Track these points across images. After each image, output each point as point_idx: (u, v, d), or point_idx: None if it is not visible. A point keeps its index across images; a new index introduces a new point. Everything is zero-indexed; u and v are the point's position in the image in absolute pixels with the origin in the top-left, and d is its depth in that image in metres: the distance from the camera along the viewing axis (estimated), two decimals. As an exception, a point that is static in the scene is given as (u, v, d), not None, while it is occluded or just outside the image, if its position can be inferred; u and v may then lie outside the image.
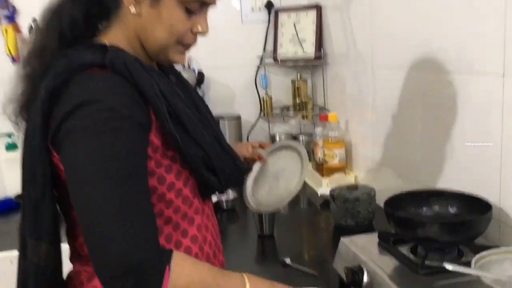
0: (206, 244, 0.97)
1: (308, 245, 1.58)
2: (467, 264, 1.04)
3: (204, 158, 0.91)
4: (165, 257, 0.77)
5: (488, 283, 0.81)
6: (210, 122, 0.99)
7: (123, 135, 0.78)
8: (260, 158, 1.33)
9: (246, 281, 0.85)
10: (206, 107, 1.04)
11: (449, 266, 0.82)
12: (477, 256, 0.88)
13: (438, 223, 1.05)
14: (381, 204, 1.64)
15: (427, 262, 1.04)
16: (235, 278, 0.85)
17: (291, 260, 1.37)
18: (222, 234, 1.66)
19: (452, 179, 1.35)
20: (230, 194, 1.91)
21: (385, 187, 1.66)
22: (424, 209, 1.21)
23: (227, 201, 1.87)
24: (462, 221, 1.04)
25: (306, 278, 1.29)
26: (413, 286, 0.98)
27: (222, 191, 1.01)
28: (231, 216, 1.85)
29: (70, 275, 0.96)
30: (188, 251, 0.92)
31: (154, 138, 0.84)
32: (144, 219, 0.77)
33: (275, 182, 1.38)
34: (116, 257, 0.74)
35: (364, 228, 1.56)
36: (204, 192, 0.97)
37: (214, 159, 0.93)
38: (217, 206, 1.86)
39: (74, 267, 0.96)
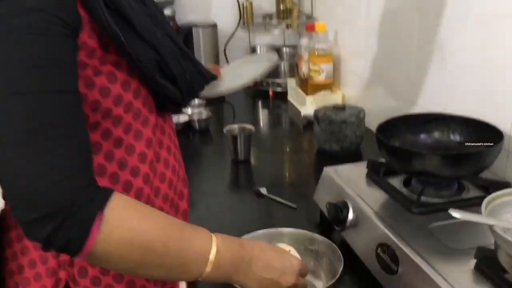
0: (169, 169, 0.83)
1: (287, 173, 1.42)
2: (469, 201, 0.91)
3: (158, 62, 0.74)
4: (98, 200, 0.60)
5: (498, 232, 0.66)
6: (161, 20, 0.80)
7: (33, 36, 0.59)
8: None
9: (213, 244, 0.69)
10: (155, 4, 0.82)
11: (456, 214, 0.66)
12: (488, 198, 0.72)
13: (439, 155, 0.88)
14: (371, 127, 1.48)
15: (422, 199, 0.89)
16: (197, 249, 0.68)
17: (267, 190, 1.22)
18: (193, 157, 1.51)
19: (454, 101, 1.18)
20: (204, 113, 1.73)
21: (376, 108, 1.50)
22: (422, 136, 1.04)
23: (199, 121, 1.69)
24: (468, 154, 0.88)
25: (283, 211, 1.15)
26: (404, 226, 0.84)
27: (183, 103, 0.84)
28: (204, 137, 1.68)
29: (1, 214, 0.80)
30: (147, 178, 0.77)
31: (88, 39, 0.66)
32: (68, 146, 0.60)
33: (236, 77, 1.23)
34: (27, 197, 0.58)
35: (350, 153, 1.41)
36: (161, 106, 0.80)
37: (171, 63, 0.76)
38: (188, 126, 1.69)
39: (5, 205, 0.80)
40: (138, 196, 0.77)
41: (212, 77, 0.91)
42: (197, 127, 1.69)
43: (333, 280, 0.77)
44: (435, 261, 0.74)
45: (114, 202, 0.61)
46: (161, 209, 0.82)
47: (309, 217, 1.11)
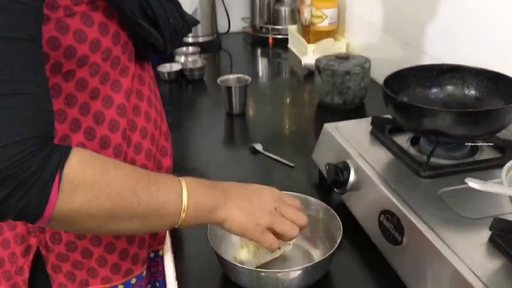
0: (150, 122, 0.75)
1: (285, 128, 1.33)
2: (484, 163, 0.82)
3: (141, 3, 0.67)
4: (54, 160, 0.53)
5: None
6: None
7: None
8: None
9: (182, 182, 0.63)
10: None
11: (473, 184, 0.58)
12: (508, 165, 0.63)
13: (454, 113, 0.78)
14: (376, 79, 1.38)
15: (432, 160, 0.81)
16: (168, 188, 0.62)
17: (263, 147, 1.14)
18: (186, 110, 1.42)
19: (470, 51, 1.07)
20: (198, 61, 1.62)
21: (383, 58, 1.39)
22: (434, 90, 0.94)
23: (193, 70, 1.58)
24: (486, 111, 0.78)
25: (279, 170, 1.07)
26: (411, 191, 0.76)
27: (165, 51, 0.76)
28: (198, 88, 1.58)
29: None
30: (124, 134, 0.70)
31: None
32: (13, 104, 0.51)
33: None
34: None
35: (353, 107, 1.32)
36: (141, 53, 0.73)
37: (154, 5, 0.69)
38: (182, 75, 1.59)
39: None
40: (117, 153, 0.70)
41: (194, 22, 0.81)
42: (191, 76, 1.58)
43: (332, 251, 0.70)
44: (444, 232, 0.66)
45: (73, 159, 0.54)
46: (144, 167, 0.74)
47: (308, 177, 1.03)
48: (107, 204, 0.56)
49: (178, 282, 0.75)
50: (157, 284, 0.86)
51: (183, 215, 0.62)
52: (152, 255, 0.85)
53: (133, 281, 0.78)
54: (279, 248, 0.72)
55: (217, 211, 0.65)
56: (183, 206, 0.62)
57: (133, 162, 0.73)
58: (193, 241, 0.83)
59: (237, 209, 0.66)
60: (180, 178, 0.64)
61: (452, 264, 0.62)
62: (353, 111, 1.31)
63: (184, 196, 0.62)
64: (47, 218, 0.53)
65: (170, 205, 0.61)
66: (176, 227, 0.64)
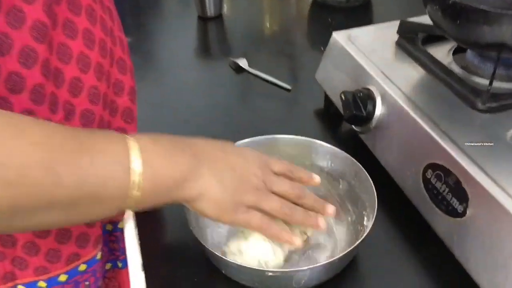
0: (94, 48, 0.51)
1: (273, 35, 1.06)
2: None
3: None
4: None
5: None
6: None
7: None
8: None
9: (133, 155, 0.41)
10: None
11: None
12: None
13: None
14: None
15: (494, 86, 0.58)
16: (108, 157, 0.41)
17: (248, 62, 0.88)
18: (145, 12, 1.12)
19: None
20: None
21: None
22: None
23: (152, -40, 1.25)
24: None
25: (271, 94, 0.82)
26: (466, 133, 0.53)
27: None
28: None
29: None
30: (46, 68, 0.46)
31: None
32: None
33: None
34: None
35: (357, 4, 1.04)
36: None
37: None
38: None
39: None
40: (37, 98, 0.46)
41: None
42: (149, -32, 1.26)
43: (367, 231, 0.48)
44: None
45: None
46: (89, 113, 0.51)
47: (309, 103, 0.79)
48: (2, 193, 0.35)
49: (144, 270, 0.54)
50: (120, 264, 0.65)
51: (134, 195, 0.41)
52: (109, 227, 0.63)
53: (82, 267, 0.57)
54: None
55: (187, 185, 0.44)
56: (132, 183, 0.40)
57: (70, 108, 0.49)
58: (166, 209, 0.60)
59: (215, 181, 0.45)
60: (128, 138, 0.42)
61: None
62: (357, 10, 1.04)
63: (136, 167, 0.41)
64: None
65: (112, 184, 0.40)
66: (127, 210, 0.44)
